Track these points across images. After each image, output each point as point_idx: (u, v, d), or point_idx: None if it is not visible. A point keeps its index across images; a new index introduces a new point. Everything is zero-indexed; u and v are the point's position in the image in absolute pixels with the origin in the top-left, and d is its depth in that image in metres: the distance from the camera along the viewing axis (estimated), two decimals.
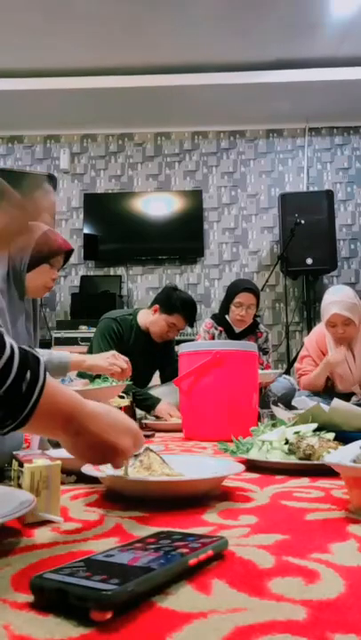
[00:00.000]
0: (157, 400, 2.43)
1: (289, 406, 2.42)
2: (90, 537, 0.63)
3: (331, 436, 1.17)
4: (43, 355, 1.73)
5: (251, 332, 2.95)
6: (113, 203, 4.97)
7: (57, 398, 0.61)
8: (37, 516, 0.68)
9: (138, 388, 2.41)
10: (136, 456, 0.96)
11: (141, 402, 2.40)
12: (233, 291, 2.91)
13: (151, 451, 0.95)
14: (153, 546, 0.52)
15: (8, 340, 0.56)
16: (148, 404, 2.42)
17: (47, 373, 0.60)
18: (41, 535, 0.64)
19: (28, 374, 0.56)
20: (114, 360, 1.82)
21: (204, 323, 3.06)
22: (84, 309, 4.38)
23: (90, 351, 2.53)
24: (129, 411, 2.00)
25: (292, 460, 1.12)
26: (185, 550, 0.50)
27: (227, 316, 2.93)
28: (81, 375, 2.26)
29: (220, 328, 2.95)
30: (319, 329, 2.82)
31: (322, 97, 4.47)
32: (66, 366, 1.72)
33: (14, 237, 1.17)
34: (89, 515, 0.74)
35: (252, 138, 5.05)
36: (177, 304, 2.55)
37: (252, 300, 2.86)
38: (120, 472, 0.90)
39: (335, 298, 2.61)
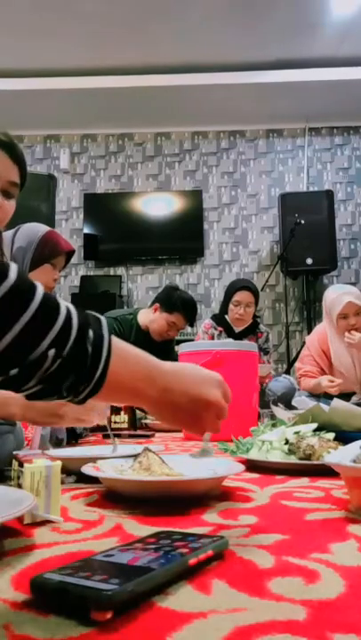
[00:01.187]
0: None
1: (289, 406, 2.42)
2: (90, 537, 0.63)
3: (331, 435, 1.17)
4: None
5: (251, 332, 2.96)
6: (113, 203, 4.97)
7: (130, 357, 0.57)
8: (37, 516, 0.68)
9: None
10: (135, 457, 0.96)
11: None
12: (231, 289, 2.92)
13: (150, 451, 0.95)
14: (153, 546, 0.52)
15: (63, 302, 0.52)
16: None
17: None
18: (41, 535, 0.64)
19: (91, 333, 0.52)
20: None
21: (203, 323, 3.06)
22: (84, 309, 4.37)
23: None
24: (129, 411, 2.00)
25: (292, 460, 1.12)
26: (185, 550, 0.50)
27: (226, 316, 2.94)
28: None
29: (219, 328, 2.95)
30: (320, 328, 2.82)
31: (322, 97, 4.47)
32: None
33: None
34: (89, 515, 0.74)
35: (252, 138, 5.05)
36: (178, 303, 2.56)
37: (249, 297, 2.86)
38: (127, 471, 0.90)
39: (344, 290, 2.65)
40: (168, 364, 0.63)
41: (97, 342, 0.52)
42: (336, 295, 2.63)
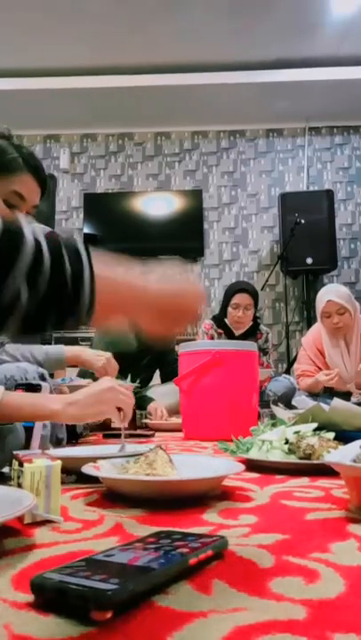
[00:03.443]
0: (150, 399, 2.44)
1: (289, 406, 2.42)
2: (90, 537, 0.63)
3: (331, 435, 1.17)
4: (39, 353, 1.73)
5: (252, 334, 2.91)
6: (113, 202, 4.97)
7: (109, 267, 0.55)
8: (37, 516, 0.68)
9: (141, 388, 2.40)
10: (140, 454, 0.96)
11: (138, 400, 2.41)
12: (229, 292, 2.91)
13: (162, 449, 0.95)
14: (153, 545, 0.52)
15: (27, 229, 0.48)
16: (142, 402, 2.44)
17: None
18: (41, 535, 0.64)
19: (64, 251, 0.49)
20: (107, 366, 1.79)
21: (203, 324, 3.04)
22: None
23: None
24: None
25: (292, 459, 1.12)
26: (185, 550, 0.50)
27: (226, 320, 2.91)
28: (82, 375, 2.26)
29: (220, 331, 2.94)
30: (316, 328, 2.84)
31: (322, 97, 4.47)
32: (62, 359, 1.73)
33: None
34: (89, 514, 0.74)
35: (252, 137, 5.05)
36: None
37: (247, 300, 2.84)
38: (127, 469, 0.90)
39: (329, 289, 2.70)
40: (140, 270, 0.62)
41: (75, 258, 0.49)
42: (320, 295, 2.67)
